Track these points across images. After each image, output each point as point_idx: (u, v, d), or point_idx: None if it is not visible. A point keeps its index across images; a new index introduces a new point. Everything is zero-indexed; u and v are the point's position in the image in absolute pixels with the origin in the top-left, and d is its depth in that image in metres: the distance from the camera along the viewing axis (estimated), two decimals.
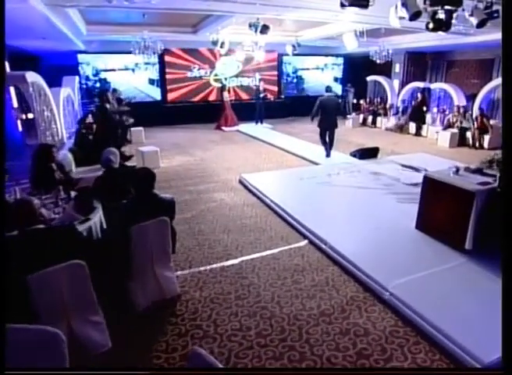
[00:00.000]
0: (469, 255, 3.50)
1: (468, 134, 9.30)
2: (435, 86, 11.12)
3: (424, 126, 10.66)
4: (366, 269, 3.28)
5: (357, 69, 14.40)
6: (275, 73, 14.22)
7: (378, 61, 10.88)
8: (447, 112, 9.96)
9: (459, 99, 10.53)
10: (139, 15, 8.07)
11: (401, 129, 11.15)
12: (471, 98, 10.77)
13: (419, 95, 10.64)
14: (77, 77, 9.39)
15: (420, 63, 13.49)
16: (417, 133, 10.52)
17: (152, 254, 2.94)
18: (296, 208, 4.71)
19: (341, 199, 5.24)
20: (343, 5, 4.22)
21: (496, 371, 1.54)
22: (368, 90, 14.06)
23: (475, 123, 9.14)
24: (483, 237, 3.49)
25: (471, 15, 4.97)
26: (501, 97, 10.65)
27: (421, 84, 11.52)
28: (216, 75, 13.29)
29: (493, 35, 9.31)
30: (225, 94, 11.71)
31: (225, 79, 13.43)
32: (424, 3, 4.55)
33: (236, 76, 13.59)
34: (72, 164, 5.65)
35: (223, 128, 11.55)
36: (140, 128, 9.82)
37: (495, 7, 5.36)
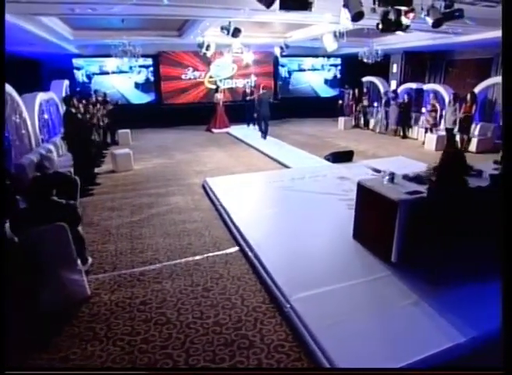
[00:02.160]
0: (394, 268, 3.36)
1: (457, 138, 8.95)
2: (428, 87, 10.76)
3: (415, 128, 10.35)
4: (278, 280, 3.22)
5: (356, 69, 14.14)
6: (271, 73, 14.18)
7: (365, 60, 10.61)
8: (435, 113, 9.58)
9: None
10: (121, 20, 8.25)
11: (395, 131, 10.87)
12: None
13: (405, 97, 10.33)
14: (67, 81, 9.67)
15: (418, 63, 13.11)
16: (405, 136, 10.22)
17: (55, 258, 3.00)
18: (241, 213, 4.69)
19: (292, 205, 5.13)
20: (282, 9, 4.16)
21: (496, 371, 1.48)
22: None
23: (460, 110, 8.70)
24: (409, 250, 3.37)
25: (427, 15, 4.80)
26: (500, 97, 10.30)
27: (413, 85, 11.21)
28: (211, 77, 13.40)
29: (485, 34, 9.01)
30: (217, 95, 11.76)
31: (220, 81, 13.52)
32: (374, 3, 4.43)
33: (231, 78, 13.65)
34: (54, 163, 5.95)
35: (213, 130, 11.62)
36: (127, 130, 10.03)
37: (456, 6, 5.19)
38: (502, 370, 1.34)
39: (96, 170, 7.02)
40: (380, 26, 4.61)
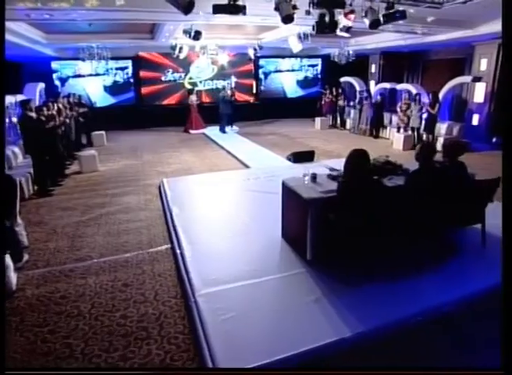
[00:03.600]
0: (309, 266, 3.49)
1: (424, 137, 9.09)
2: (400, 87, 10.88)
3: (388, 128, 10.48)
4: (193, 276, 3.38)
5: (337, 70, 14.26)
6: (251, 74, 14.33)
7: (337, 61, 10.75)
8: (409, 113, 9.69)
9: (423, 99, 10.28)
10: (95, 24, 8.42)
11: (370, 131, 10.98)
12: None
13: (378, 97, 10.45)
14: (42, 84, 9.85)
15: (396, 63, 13.23)
16: (377, 136, 10.35)
17: None
18: (184, 212, 4.86)
19: (238, 205, 5.30)
20: (215, 13, 4.32)
21: (496, 371, 1.52)
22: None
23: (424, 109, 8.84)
24: (322, 248, 3.51)
25: (365, 16, 4.93)
26: (472, 96, 10.42)
27: (387, 85, 11.33)
28: (191, 78, 13.56)
29: (451, 34, 9.13)
30: (192, 97, 11.92)
31: (200, 82, 13.68)
32: (309, 5, 4.57)
33: (211, 79, 13.80)
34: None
35: (190, 131, 11.79)
36: (102, 132, 10.20)
37: (398, 8, 5.32)
38: (502, 370, 1.36)
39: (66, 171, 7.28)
40: (315, 28, 4.75)
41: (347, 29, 5.32)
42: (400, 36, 10.12)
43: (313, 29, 4.84)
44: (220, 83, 13.68)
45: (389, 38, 10.53)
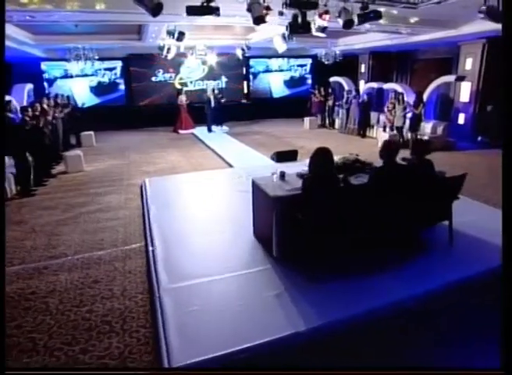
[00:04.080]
0: (276, 262, 3.56)
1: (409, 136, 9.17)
2: (387, 86, 10.97)
3: (375, 128, 10.57)
4: (160, 271, 3.46)
5: (327, 70, 14.35)
6: (242, 74, 14.41)
7: (324, 61, 10.85)
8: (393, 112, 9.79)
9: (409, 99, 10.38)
10: (83, 25, 8.49)
11: (358, 131, 11.06)
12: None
13: (365, 97, 10.54)
14: (30, 85, 9.91)
15: (385, 63, 13.35)
16: (364, 135, 10.44)
17: None
18: (162, 211, 4.94)
19: (214, 203, 5.35)
20: (189, 15, 4.40)
21: (496, 371, 1.52)
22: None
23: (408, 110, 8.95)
24: (288, 245, 3.57)
25: (339, 16, 5.01)
26: (457, 95, 10.52)
27: (374, 85, 11.41)
28: (181, 79, 13.63)
29: (436, 34, 9.25)
30: (181, 97, 11.99)
31: (191, 82, 13.76)
32: (283, 6, 4.65)
33: (202, 79, 13.88)
34: None
35: (179, 131, 11.86)
36: (91, 132, 10.26)
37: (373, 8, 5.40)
38: (502, 370, 1.36)
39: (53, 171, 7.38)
40: (289, 28, 4.84)
41: (323, 29, 5.40)
42: (386, 36, 10.24)
43: (286, 29, 4.92)
44: (211, 84, 13.74)
45: (375, 38, 10.64)
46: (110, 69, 12.55)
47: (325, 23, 5.16)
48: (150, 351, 2.59)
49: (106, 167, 7.89)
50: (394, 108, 9.29)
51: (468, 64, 10.06)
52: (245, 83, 14.66)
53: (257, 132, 11.82)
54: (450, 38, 9.51)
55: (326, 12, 4.98)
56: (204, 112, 11.60)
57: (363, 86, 13.12)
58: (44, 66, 11.77)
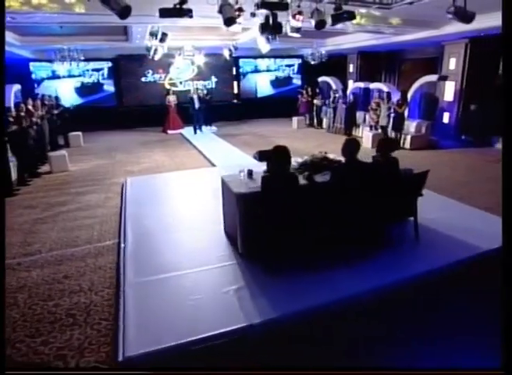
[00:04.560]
0: (242, 258, 3.66)
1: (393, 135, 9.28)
2: (373, 86, 11.08)
3: (361, 127, 10.68)
4: (128, 267, 3.56)
5: (317, 70, 14.46)
6: (232, 75, 14.51)
7: (310, 61, 10.96)
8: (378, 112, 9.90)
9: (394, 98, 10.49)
10: (70, 27, 8.57)
11: (345, 130, 11.16)
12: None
13: (351, 97, 10.66)
14: (17, 86, 9.99)
15: (373, 63, 13.47)
16: (349, 134, 10.54)
17: None
18: (138, 209, 5.04)
19: (191, 201, 5.43)
20: (162, 17, 4.49)
21: (496, 371, 1.52)
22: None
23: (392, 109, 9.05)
24: (252, 241, 3.66)
25: (311, 17, 5.11)
26: (441, 95, 10.64)
27: (361, 84, 11.52)
28: (171, 79, 13.71)
29: (419, 34, 9.34)
30: (169, 98, 12.08)
31: (181, 83, 13.84)
32: (255, 8, 4.74)
33: (192, 80, 13.96)
34: None
35: (168, 131, 11.95)
36: (79, 133, 10.33)
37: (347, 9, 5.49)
38: (502, 370, 1.35)
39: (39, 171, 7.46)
40: (260, 29, 4.95)
41: (297, 29, 5.50)
42: (372, 36, 10.34)
43: (258, 30, 5.03)
44: (201, 84, 13.83)
45: (362, 38, 10.74)
46: (98, 70, 12.62)
47: (299, 24, 5.26)
48: (108, 343, 2.68)
49: (91, 167, 7.96)
50: (378, 107, 9.40)
51: (452, 64, 10.19)
52: (235, 83, 14.77)
53: (246, 132, 11.92)
54: (434, 38, 9.63)
55: (299, 13, 5.08)
56: (190, 113, 11.66)
57: (351, 85, 13.24)
58: (32, 66, 11.82)
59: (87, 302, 3.18)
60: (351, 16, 5.35)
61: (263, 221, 3.41)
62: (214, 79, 14.17)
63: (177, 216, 4.92)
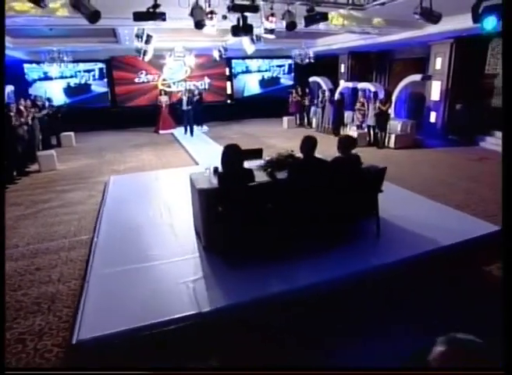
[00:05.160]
0: (204, 252, 3.82)
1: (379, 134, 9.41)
2: (361, 85, 11.19)
3: (349, 126, 10.81)
4: (96, 260, 3.73)
5: (309, 70, 14.61)
6: (225, 75, 14.70)
7: (298, 62, 11.11)
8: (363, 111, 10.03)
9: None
10: (61, 29, 8.79)
11: (333, 130, 11.29)
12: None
13: (338, 96, 10.79)
14: (10, 87, 10.23)
15: (365, 63, 13.59)
16: (337, 134, 10.68)
17: None
18: (114, 206, 5.23)
19: (169, 199, 5.57)
20: (135, 20, 4.67)
21: (496, 371, 1.43)
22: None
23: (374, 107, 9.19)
24: (214, 235, 3.81)
25: (283, 18, 5.27)
26: (428, 94, 10.75)
27: (350, 84, 11.65)
28: (164, 80, 13.91)
29: (403, 34, 9.45)
30: (160, 98, 12.28)
31: (174, 83, 14.04)
32: (227, 11, 4.91)
33: (185, 80, 14.15)
34: None
35: (160, 131, 12.14)
36: (71, 133, 10.56)
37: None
38: (502, 370, 1.31)
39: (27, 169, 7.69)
40: (232, 31, 5.12)
41: (271, 31, 5.66)
42: (359, 36, 10.48)
43: (230, 32, 5.20)
44: (192, 85, 14.01)
45: (350, 38, 10.87)
46: (90, 71, 12.85)
47: (272, 26, 5.42)
48: (67, 328, 2.86)
49: (79, 166, 8.17)
50: (363, 106, 9.53)
51: (438, 63, 10.31)
52: (228, 83, 14.95)
53: (236, 132, 12.08)
54: (420, 38, 9.74)
55: (272, 15, 5.24)
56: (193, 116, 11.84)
57: (342, 85, 13.36)
58: (25, 68, 12.07)
59: (54, 292, 3.36)
60: (324, 17, 5.50)
61: (222, 216, 3.57)
62: (207, 79, 14.36)
63: (153, 212, 5.08)
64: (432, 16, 4.90)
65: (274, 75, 15.33)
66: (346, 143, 4.11)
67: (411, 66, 12.34)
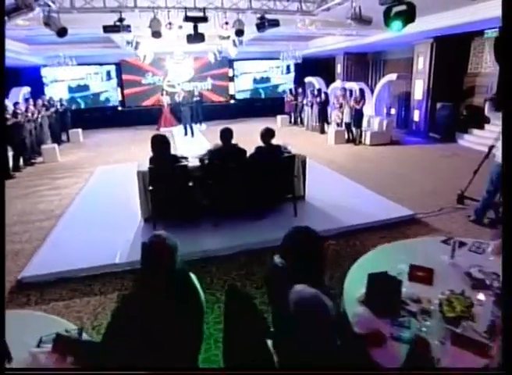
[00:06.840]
0: (143, 223, 4.68)
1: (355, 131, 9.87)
2: (349, 85, 11.61)
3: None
4: (58, 225, 4.63)
5: (307, 70, 15.14)
6: (227, 76, 15.54)
7: (287, 63, 11.71)
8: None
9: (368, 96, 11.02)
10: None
11: (319, 128, 11.78)
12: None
13: (323, 95, 11.30)
14: (27, 88, 11.57)
15: (361, 63, 14.00)
16: (322, 132, 11.20)
17: None
18: (91, 189, 6.15)
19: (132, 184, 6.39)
20: (105, 32, 5.55)
21: (496, 371, 1.49)
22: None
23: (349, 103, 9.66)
24: (149, 210, 4.61)
25: (233, 26, 5.98)
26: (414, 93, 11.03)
27: (339, 84, 12.09)
28: (169, 81, 14.93)
29: (384, 35, 9.77)
30: (161, 98, 13.27)
31: (178, 84, 15.02)
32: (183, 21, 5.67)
33: (189, 81, 15.10)
34: None
35: (161, 129, 13.11)
36: (78, 130, 11.74)
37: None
38: (502, 370, 1.30)
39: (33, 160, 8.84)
40: (188, 39, 5.90)
41: (228, 37, 6.38)
42: (346, 38, 10.94)
43: (186, 39, 5.99)
44: (197, 85, 14.93)
45: (338, 40, 11.35)
46: (101, 73, 14.13)
47: (228, 33, 6.13)
48: (20, 271, 3.72)
49: (78, 158, 9.23)
50: (341, 105, 10.02)
51: (420, 63, 10.62)
52: (230, 84, 15.77)
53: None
54: (403, 38, 10.08)
55: (226, 23, 5.96)
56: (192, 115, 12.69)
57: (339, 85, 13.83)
58: (42, 71, 13.47)
59: (20, 248, 4.26)
60: (275, 23, 6.13)
61: (151, 192, 4.36)
62: (210, 80, 15.25)
63: (118, 196, 5.91)
64: (362, 20, 5.44)
65: (273, 75, 16.00)
66: (265, 133, 4.79)
67: (403, 66, 12.62)
